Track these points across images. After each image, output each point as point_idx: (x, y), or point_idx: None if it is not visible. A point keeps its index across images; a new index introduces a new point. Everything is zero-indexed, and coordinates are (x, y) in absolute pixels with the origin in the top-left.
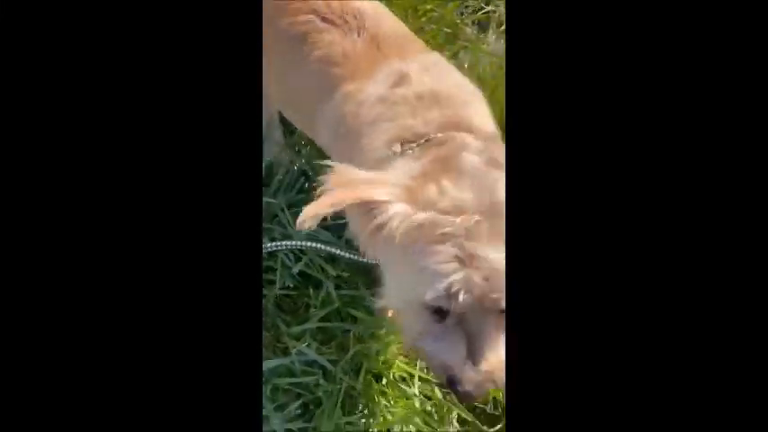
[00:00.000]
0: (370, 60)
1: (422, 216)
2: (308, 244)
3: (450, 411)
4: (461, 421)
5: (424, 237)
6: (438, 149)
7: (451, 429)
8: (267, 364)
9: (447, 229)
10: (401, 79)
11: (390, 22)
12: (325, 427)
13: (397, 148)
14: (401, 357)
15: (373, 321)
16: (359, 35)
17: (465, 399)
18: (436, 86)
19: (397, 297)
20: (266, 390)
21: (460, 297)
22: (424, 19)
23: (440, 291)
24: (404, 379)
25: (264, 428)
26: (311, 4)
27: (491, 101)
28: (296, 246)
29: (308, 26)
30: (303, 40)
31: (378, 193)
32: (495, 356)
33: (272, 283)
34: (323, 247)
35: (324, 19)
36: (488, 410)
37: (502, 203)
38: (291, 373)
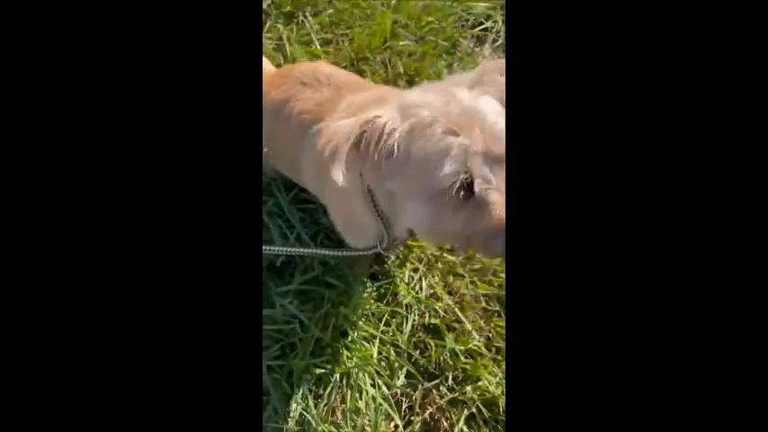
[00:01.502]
0: (335, 102)
1: (408, 121)
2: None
3: (400, 367)
4: (408, 375)
5: (417, 135)
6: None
7: (398, 382)
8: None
9: (429, 118)
10: (349, 106)
11: (349, 77)
12: (297, 366)
13: None
14: (364, 320)
15: (344, 288)
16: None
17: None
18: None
19: (424, 210)
20: None
21: (471, 153)
22: (426, 29)
23: (450, 163)
24: (367, 339)
25: None
26: (293, 75)
27: None
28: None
29: (291, 90)
30: (287, 102)
31: (370, 113)
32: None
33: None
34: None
35: (302, 83)
36: (431, 369)
37: (460, 97)
38: (275, 322)
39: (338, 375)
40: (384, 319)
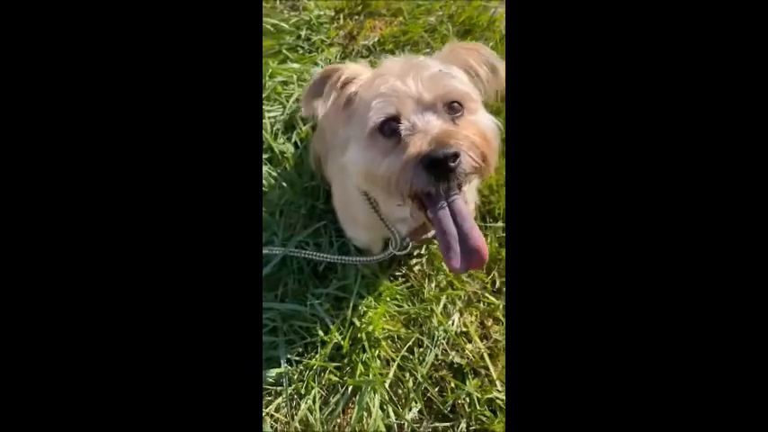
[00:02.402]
0: None
1: (370, 74)
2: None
3: (414, 401)
4: (419, 410)
5: (369, 83)
6: None
7: (408, 415)
8: (292, 307)
9: (383, 70)
10: None
11: None
12: (315, 364)
13: None
14: (389, 341)
15: (374, 300)
16: None
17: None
18: None
19: (360, 155)
20: (284, 326)
21: (402, 95)
22: None
23: (378, 100)
24: (387, 361)
25: (273, 353)
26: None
27: None
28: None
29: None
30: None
31: (338, 65)
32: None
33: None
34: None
35: None
36: (445, 411)
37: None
38: (304, 319)
39: (350, 388)
40: (408, 345)
